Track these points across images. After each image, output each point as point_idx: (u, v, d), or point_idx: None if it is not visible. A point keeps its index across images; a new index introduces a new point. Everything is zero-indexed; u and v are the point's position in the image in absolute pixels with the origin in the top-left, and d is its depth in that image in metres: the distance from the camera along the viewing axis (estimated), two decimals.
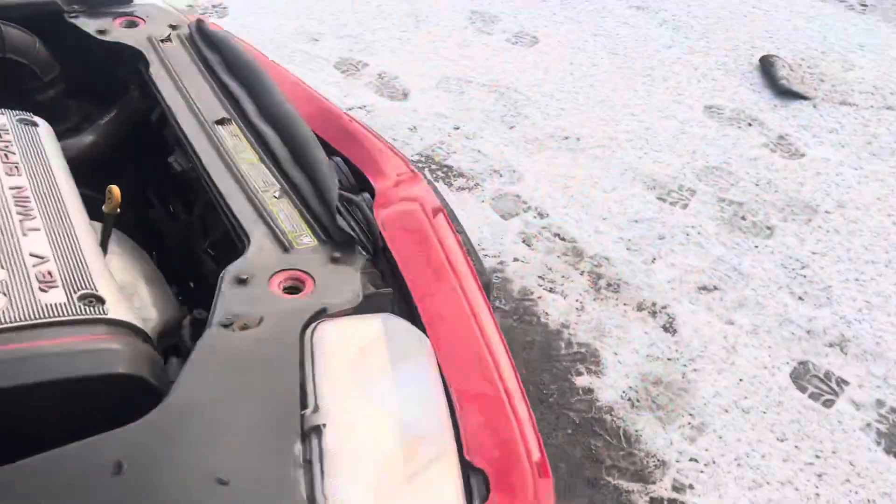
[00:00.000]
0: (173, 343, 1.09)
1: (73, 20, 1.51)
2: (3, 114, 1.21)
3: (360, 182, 1.34)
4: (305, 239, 1.11)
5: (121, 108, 1.53)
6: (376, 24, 3.90)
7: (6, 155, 1.12)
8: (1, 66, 1.39)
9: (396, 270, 1.10)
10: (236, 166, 1.21)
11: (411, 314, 1.04)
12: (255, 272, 1.02)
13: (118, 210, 1.14)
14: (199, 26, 1.52)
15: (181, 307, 1.20)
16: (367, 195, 1.33)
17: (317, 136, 1.31)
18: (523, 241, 2.73)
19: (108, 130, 1.52)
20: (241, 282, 1.00)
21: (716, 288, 2.57)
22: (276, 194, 1.18)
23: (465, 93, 3.47)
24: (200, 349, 0.89)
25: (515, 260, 2.65)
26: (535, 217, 2.83)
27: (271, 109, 1.34)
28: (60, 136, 1.48)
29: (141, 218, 1.55)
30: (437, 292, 1.11)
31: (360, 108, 3.32)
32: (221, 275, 1.02)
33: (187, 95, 1.35)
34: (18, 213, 1.01)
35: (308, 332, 0.93)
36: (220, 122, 1.31)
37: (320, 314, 0.97)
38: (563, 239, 2.74)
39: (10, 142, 1.15)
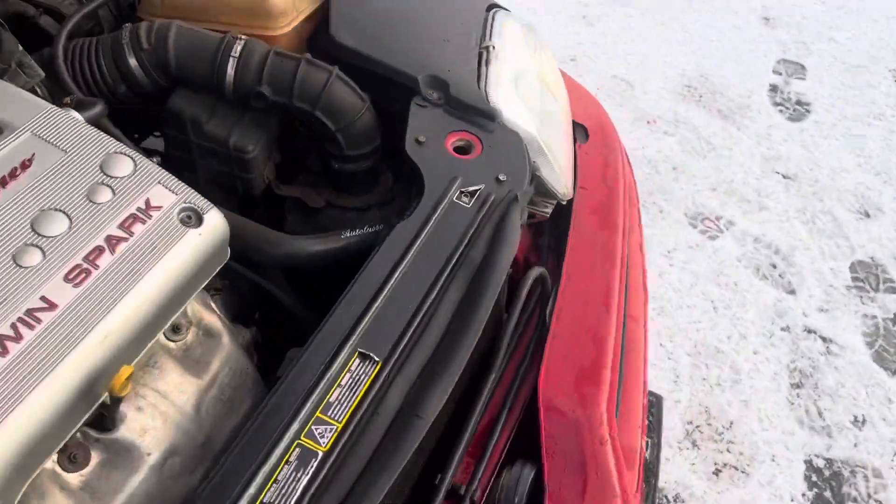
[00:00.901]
0: None
1: (418, 107, 1.22)
2: (176, 193, 0.90)
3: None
4: None
5: (374, 234, 1.19)
6: None
7: (104, 251, 0.83)
8: (310, 119, 1.21)
9: None
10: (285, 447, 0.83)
11: None
12: None
13: (124, 393, 0.84)
14: (505, 209, 1.10)
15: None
16: None
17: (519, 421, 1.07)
18: None
19: (344, 250, 1.16)
20: None
21: None
22: None
23: None
24: None
25: None
26: None
27: (427, 391, 0.90)
28: (331, 216, 1.27)
29: None
30: None
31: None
32: None
33: (386, 285, 0.97)
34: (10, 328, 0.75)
35: None
36: (365, 357, 0.90)
37: None
38: None
39: (132, 235, 0.86)
